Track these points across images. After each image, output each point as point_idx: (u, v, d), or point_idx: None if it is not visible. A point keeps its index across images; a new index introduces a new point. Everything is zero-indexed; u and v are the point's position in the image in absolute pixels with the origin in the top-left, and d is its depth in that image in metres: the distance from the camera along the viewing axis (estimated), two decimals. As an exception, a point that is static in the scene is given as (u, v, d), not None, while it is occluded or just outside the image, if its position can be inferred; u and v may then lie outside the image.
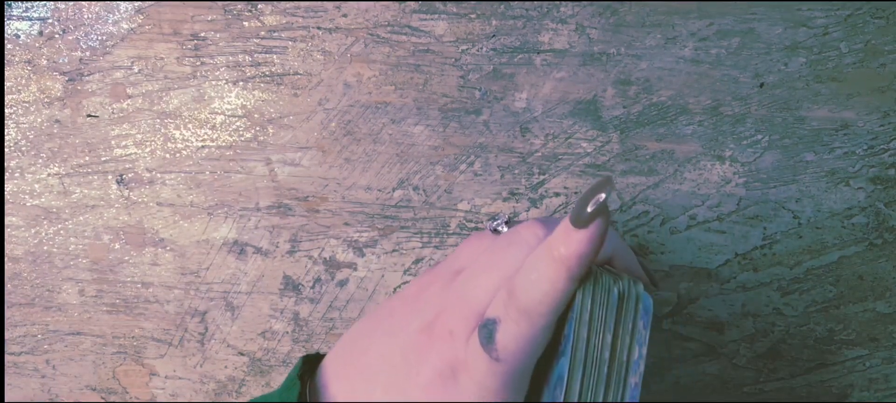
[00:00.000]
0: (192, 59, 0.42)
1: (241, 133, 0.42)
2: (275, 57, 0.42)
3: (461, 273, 0.30)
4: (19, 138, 0.43)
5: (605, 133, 0.42)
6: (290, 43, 0.42)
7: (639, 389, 0.28)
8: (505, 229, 0.32)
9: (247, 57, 0.42)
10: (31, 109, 0.42)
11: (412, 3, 0.41)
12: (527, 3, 0.41)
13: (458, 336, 0.28)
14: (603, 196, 0.26)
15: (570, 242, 0.26)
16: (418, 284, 0.32)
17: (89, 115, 0.42)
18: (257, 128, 0.42)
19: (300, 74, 0.42)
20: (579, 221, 0.26)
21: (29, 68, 0.42)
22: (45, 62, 0.42)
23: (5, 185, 0.43)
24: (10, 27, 0.42)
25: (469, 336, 0.28)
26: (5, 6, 0.42)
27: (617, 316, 0.28)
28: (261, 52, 0.42)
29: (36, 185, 0.43)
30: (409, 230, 0.43)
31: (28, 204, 0.43)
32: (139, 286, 0.43)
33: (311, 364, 0.33)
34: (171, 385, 0.44)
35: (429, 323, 0.29)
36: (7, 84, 0.42)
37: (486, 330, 0.27)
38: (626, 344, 0.28)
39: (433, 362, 0.28)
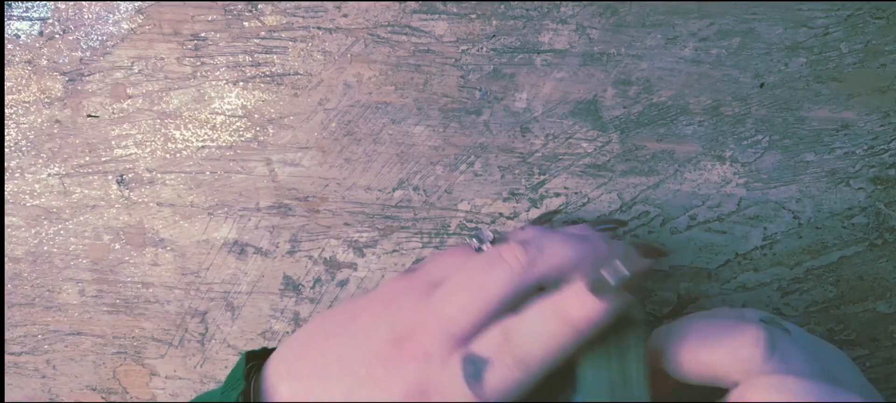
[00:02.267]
0: (192, 59, 0.42)
1: (241, 133, 0.42)
2: (275, 57, 0.42)
3: (438, 286, 0.29)
4: (19, 138, 0.43)
5: (605, 133, 0.42)
6: (290, 43, 0.42)
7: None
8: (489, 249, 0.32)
9: (247, 57, 0.42)
10: (32, 109, 0.42)
11: (412, 3, 0.41)
12: (527, 3, 0.41)
13: (433, 359, 0.27)
14: (627, 272, 0.25)
15: (584, 308, 0.26)
16: (387, 289, 0.31)
17: (89, 115, 0.42)
18: (257, 129, 0.42)
19: (300, 74, 0.42)
20: (599, 290, 0.25)
21: (29, 68, 0.42)
22: (45, 62, 0.42)
23: (5, 185, 0.43)
24: (10, 27, 0.42)
25: (445, 359, 0.27)
26: (5, 6, 0.42)
27: (620, 341, 0.28)
28: (261, 53, 0.42)
29: (36, 185, 0.43)
30: (410, 230, 0.43)
31: (28, 204, 0.43)
32: (139, 286, 0.43)
33: (257, 362, 0.32)
34: (171, 385, 0.44)
35: (399, 335, 0.28)
36: (7, 84, 0.42)
37: (474, 368, 0.26)
38: (635, 362, 0.28)
39: (405, 378, 0.27)
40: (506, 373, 0.26)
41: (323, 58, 0.42)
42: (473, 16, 0.41)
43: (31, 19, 0.42)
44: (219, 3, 0.41)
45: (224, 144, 0.42)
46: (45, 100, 0.42)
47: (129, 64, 0.42)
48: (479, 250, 0.32)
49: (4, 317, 0.44)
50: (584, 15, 0.41)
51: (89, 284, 0.44)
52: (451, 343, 0.27)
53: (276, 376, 0.30)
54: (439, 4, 0.41)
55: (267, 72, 0.42)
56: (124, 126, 0.42)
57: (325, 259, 0.43)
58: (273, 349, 0.33)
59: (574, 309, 0.26)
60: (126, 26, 0.42)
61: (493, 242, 0.32)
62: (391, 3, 0.41)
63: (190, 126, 0.42)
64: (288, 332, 0.44)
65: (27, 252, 0.43)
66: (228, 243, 0.43)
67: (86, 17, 0.42)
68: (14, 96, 0.42)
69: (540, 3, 0.41)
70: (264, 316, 0.44)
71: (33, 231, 0.43)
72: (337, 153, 0.42)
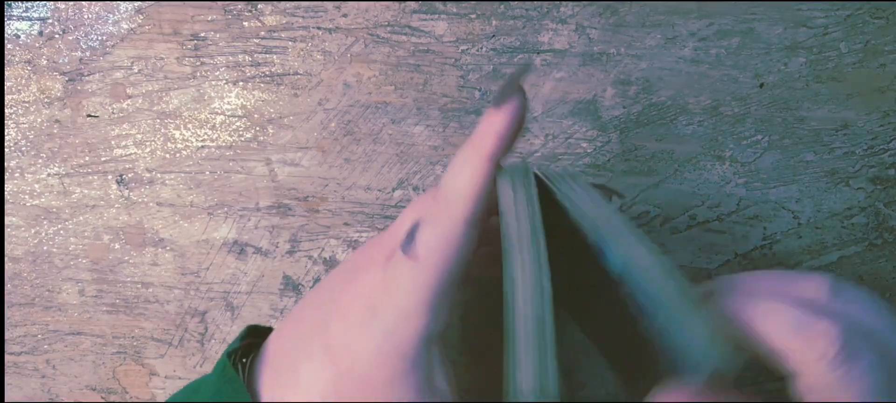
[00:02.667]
0: (192, 59, 0.42)
1: (241, 133, 0.42)
2: (275, 57, 0.42)
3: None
4: (19, 138, 0.43)
5: (604, 133, 0.42)
6: (290, 43, 0.42)
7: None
8: None
9: (247, 57, 0.42)
10: (31, 109, 0.42)
11: (412, 3, 0.41)
12: (527, 3, 0.41)
13: (377, 263, 0.28)
14: (518, 75, 0.27)
15: (490, 124, 0.27)
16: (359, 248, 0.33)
17: (89, 115, 0.42)
18: (257, 128, 0.42)
19: (300, 74, 0.42)
20: (498, 101, 0.27)
21: (29, 68, 0.42)
22: (45, 62, 0.42)
23: (5, 185, 0.43)
24: (10, 27, 0.42)
25: (389, 259, 0.28)
26: (5, 6, 0.42)
27: (537, 191, 0.28)
28: (261, 52, 0.42)
29: (36, 185, 0.43)
30: (409, 230, 0.43)
31: (28, 204, 0.43)
32: (139, 286, 0.43)
33: (262, 336, 0.33)
34: (171, 385, 0.44)
35: (354, 265, 0.29)
36: (7, 84, 0.42)
37: (409, 236, 0.27)
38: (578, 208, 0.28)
39: (355, 295, 0.28)
40: (435, 225, 0.27)
41: (323, 58, 0.42)
42: (473, 16, 0.41)
43: (31, 19, 0.42)
44: (219, 3, 0.41)
45: (224, 144, 0.42)
46: (45, 100, 0.42)
47: (129, 64, 0.42)
48: None
49: (4, 317, 0.44)
50: (583, 15, 0.41)
51: (89, 284, 0.44)
52: (395, 247, 0.28)
53: (268, 340, 0.32)
54: (439, 4, 0.41)
55: (267, 73, 0.42)
56: (124, 126, 0.42)
57: (325, 259, 0.43)
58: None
59: (482, 130, 0.27)
60: (126, 26, 0.42)
61: None
62: (391, 3, 0.41)
63: (190, 126, 0.42)
64: (288, 332, 0.44)
65: (27, 252, 0.43)
66: (228, 243, 0.43)
67: (86, 17, 0.42)
68: (14, 96, 0.42)
69: (540, 3, 0.41)
70: (264, 315, 0.44)
71: (33, 231, 0.43)
72: (337, 153, 0.42)
